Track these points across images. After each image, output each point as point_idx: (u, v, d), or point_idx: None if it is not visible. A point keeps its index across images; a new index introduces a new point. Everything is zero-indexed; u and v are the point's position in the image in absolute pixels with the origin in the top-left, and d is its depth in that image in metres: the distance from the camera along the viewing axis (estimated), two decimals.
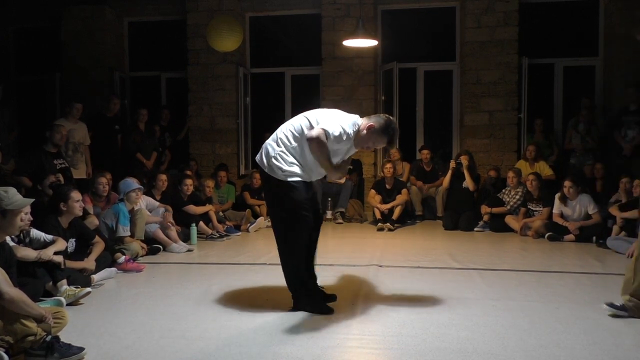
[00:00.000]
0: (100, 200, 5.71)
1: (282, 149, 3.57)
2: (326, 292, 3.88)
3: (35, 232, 4.08)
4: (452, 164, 7.71)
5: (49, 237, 4.11)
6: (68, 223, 4.45)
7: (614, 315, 3.47)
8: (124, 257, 4.97)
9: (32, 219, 3.88)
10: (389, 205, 7.47)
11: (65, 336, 2.95)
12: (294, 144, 3.58)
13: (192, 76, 8.98)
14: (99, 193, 5.69)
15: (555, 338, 3.11)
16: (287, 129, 3.63)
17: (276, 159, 3.55)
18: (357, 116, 3.67)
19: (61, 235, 4.24)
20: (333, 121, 3.51)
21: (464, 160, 7.55)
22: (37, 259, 3.83)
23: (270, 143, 3.63)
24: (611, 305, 3.54)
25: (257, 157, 3.70)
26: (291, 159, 3.56)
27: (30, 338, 2.75)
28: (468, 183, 7.45)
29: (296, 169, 3.56)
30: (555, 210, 6.50)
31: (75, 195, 4.45)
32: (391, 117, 3.69)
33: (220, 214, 7.31)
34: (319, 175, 3.75)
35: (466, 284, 4.35)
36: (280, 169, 3.54)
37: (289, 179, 3.53)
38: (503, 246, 6.14)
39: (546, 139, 8.31)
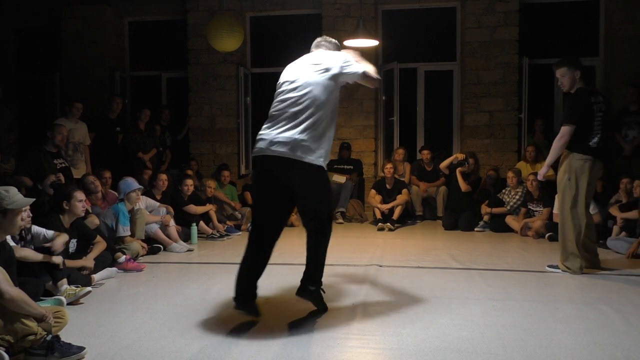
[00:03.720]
0: (97, 199, 5.70)
1: (309, 132, 3.33)
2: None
3: (35, 228, 4.08)
4: (460, 156, 7.62)
5: (50, 232, 4.11)
6: (70, 223, 4.45)
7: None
8: (124, 256, 4.97)
9: (31, 215, 3.88)
10: (389, 205, 7.47)
11: (65, 335, 2.96)
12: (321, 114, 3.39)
13: (193, 76, 8.98)
14: (91, 191, 5.67)
15: (556, 338, 3.11)
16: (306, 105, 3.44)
17: (309, 143, 3.31)
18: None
19: None
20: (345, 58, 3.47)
21: (470, 161, 7.52)
22: (52, 253, 3.88)
23: (296, 136, 3.32)
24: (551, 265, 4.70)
25: (284, 151, 3.30)
26: (322, 139, 3.36)
27: (31, 337, 2.75)
28: (461, 184, 7.44)
29: (325, 148, 3.36)
30: (555, 211, 6.48)
31: (79, 194, 4.46)
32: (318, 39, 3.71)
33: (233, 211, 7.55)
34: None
35: (466, 284, 4.35)
36: (313, 151, 3.31)
37: (322, 163, 3.33)
38: (503, 246, 6.14)
39: (546, 139, 8.30)
